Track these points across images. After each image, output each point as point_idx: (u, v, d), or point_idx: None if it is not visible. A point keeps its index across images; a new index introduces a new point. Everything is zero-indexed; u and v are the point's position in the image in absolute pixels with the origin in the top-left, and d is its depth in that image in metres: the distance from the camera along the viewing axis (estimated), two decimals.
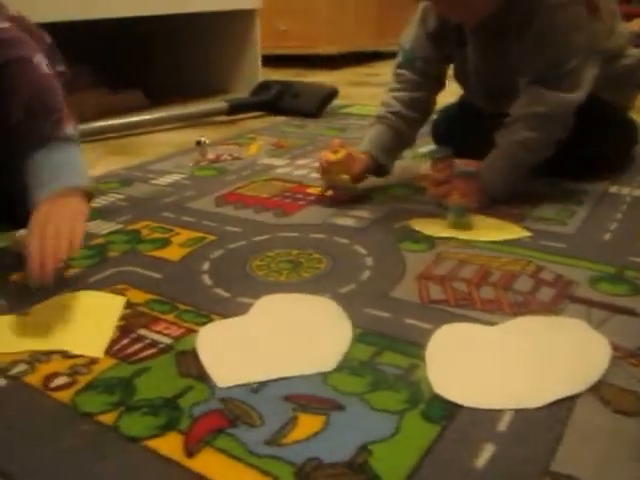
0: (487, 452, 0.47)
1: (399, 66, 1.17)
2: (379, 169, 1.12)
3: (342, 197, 1.05)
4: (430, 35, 1.12)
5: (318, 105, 1.82)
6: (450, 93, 1.29)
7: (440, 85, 1.18)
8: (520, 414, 0.51)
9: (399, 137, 1.13)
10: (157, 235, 0.94)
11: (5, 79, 0.78)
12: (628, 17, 2.69)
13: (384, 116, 1.13)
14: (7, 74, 0.78)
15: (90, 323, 0.70)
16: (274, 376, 0.57)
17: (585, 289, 0.72)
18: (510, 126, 1.00)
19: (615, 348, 0.60)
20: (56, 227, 0.71)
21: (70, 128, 0.81)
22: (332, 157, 1.01)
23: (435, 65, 1.15)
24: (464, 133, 1.23)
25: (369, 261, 0.82)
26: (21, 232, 0.82)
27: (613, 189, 1.07)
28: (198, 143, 1.37)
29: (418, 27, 1.14)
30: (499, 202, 0.99)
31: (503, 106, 1.12)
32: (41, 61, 0.81)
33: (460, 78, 1.22)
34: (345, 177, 1.03)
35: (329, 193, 1.08)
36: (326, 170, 1.04)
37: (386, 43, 3.52)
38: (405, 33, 1.17)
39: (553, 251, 0.83)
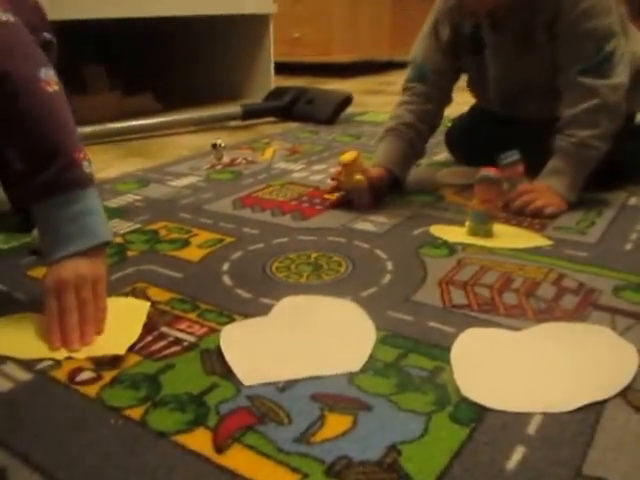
0: (518, 454, 0.47)
1: (409, 80, 1.17)
2: (394, 181, 1.11)
3: (360, 202, 1.05)
4: (443, 47, 1.13)
5: (332, 112, 1.82)
6: (457, 104, 1.29)
7: (449, 98, 1.19)
8: (549, 418, 0.51)
9: (412, 148, 1.13)
10: (175, 235, 0.95)
11: (3, 102, 0.64)
12: None
13: (395, 128, 1.13)
14: (6, 93, 0.64)
15: (115, 328, 0.68)
16: (299, 376, 0.57)
17: (609, 297, 0.72)
18: (567, 128, 1.00)
19: None
20: (79, 298, 0.65)
21: (85, 164, 0.67)
22: (344, 159, 1.01)
23: (446, 77, 1.16)
24: (478, 140, 1.24)
25: (389, 265, 0.82)
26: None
27: (632, 200, 1.07)
28: (214, 146, 1.38)
29: (429, 40, 1.15)
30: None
31: (520, 108, 1.12)
32: (48, 75, 0.67)
33: (475, 87, 1.22)
34: (360, 178, 1.02)
35: (337, 195, 1.08)
36: (340, 173, 1.05)
37: (400, 52, 3.53)
38: (415, 47, 1.17)
39: (575, 260, 0.83)
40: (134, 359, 0.62)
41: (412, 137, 1.13)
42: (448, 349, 0.61)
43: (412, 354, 0.61)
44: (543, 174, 1.03)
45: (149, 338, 0.65)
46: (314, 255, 0.86)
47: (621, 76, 0.99)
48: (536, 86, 1.11)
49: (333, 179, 1.12)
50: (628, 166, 1.13)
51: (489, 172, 0.89)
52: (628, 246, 0.87)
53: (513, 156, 0.98)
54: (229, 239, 0.93)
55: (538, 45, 1.05)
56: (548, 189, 1.01)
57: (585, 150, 0.99)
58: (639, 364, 0.57)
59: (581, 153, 1.00)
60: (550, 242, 0.88)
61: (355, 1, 3.05)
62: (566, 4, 0.98)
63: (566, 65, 1.01)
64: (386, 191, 1.10)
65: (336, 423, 0.51)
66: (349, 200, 1.06)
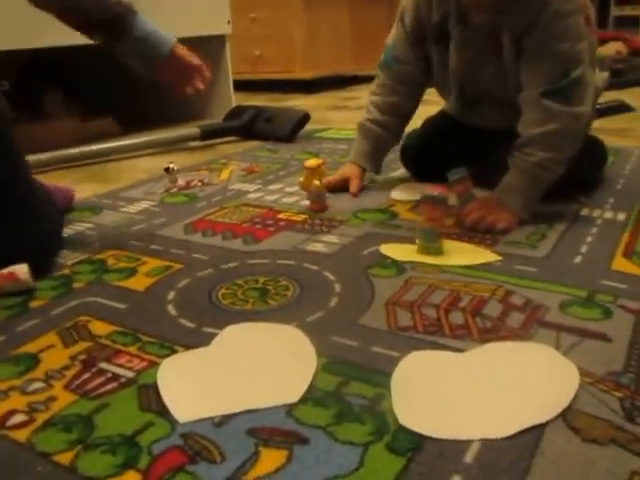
0: None
1: (380, 64, 1.23)
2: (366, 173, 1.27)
3: (316, 205, 1.14)
4: (407, 35, 1.15)
5: (291, 129, 1.82)
6: (419, 117, 1.30)
7: (418, 89, 1.21)
8: (487, 444, 0.50)
9: (378, 143, 1.24)
10: (124, 264, 0.92)
11: None
12: (602, 41, 2.75)
13: (363, 124, 1.25)
14: None
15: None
16: (236, 409, 0.56)
17: (555, 313, 0.72)
18: (525, 147, 1.00)
19: (585, 374, 0.59)
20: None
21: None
22: (308, 163, 1.14)
23: (411, 66, 1.18)
24: (433, 156, 1.24)
25: (337, 288, 0.81)
26: None
27: (584, 212, 1.08)
28: (167, 170, 1.36)
29: (397, 26, 1.18)
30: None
31: (478, 114, 1.13)
32: None
33: (438, 82, 1.21)
34: (318, 184, 1.13)
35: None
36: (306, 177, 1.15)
37: (363, 67, 3.56)
38: (391, 32, 1.21)
39: (523, 275, 0.82)
40: (70, 398, 0.59)
41: (377, 132, 1.23)
42: (391, 375, 0.60)
43: (354, 381, 0.60)
44: (497, 190, 1.03)
45: (87, 375, 0.63)
46: (262, 280, 0.85)
47: (585, 105, 0.98)
48: (494, 93, 1.12)
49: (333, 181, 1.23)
50: (581, 178, 1.14)
51: (434, 191, 0.88)
52: (577, 259, 0.87)
53: (461, 173, 0.99)
54: (178, 266, 0.91)
55: (503, 53, 1.04)
56: (500, 205, 1.01)
57: (542, 171, 1.00)
58: (580, 384, 0.57)
59: (537, 173, 1.00)
60: (499, 258, 0.88)
61: (313, 18, 3.06)
62: (540, 21, 0.97)
63: (530, 83, 1.01)
64: (361, 183, 1.25)
65: (270, 459, 0.50)
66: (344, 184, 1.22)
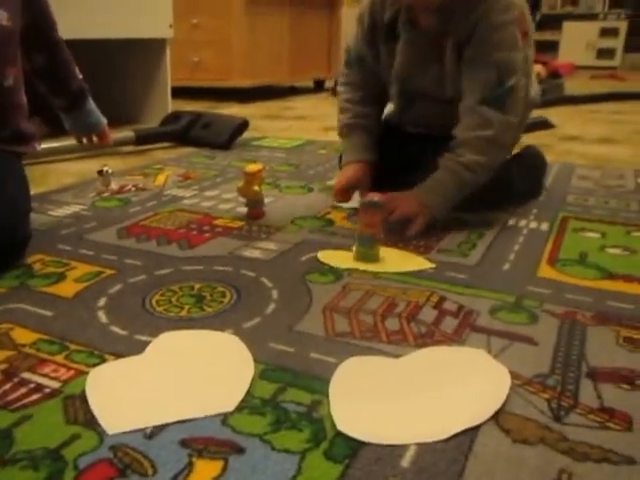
0: None
1: (344, 64, 1.25)
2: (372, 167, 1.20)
3: (253, 212, 1.12)
4: (364, 34, 1.17)
5: (229, 136, 1.80)
6: None
7: (379, 82, 1.22)
8: (423, 448, 0.51)
9: (370, 132, 1.22)
10: (51, 269, 0.88)
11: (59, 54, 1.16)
12: None
13: (347, 124, 1.22)
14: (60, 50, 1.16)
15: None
16: (169, 420, 0.54)
17: (486, 318, 0.74)
18: (456, 149, 1.02)
19: (514, 376, 0.61)
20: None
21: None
22: (248, 169, 1.10)
23: (368, 64, 1.20)
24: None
25: (275, 294, 0.80)
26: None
27: (511, 221, 1.11)
28: (100, 173, 1.32)
29: (357, 26, 1.19)
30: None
31: (416, 112, 1.15)
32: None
33: (386, 81, 1.23)
34: (257, 190, 1.11)
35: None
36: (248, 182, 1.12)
37: (300, 78, 3.58)
38: (351, 33, 1.23)
39: (455, 282, 0.84)
40: None
41: (365, 124, 1.21)
42: (328, 381, 0.60)
43: (291, 388, 0.59)
44: (421, 186, 1.04)
45: (7, 386, 0.60)
46: (198, 286, 0.83)
47: (515, 115, 1.02)
48: (432, 93, 1.14)
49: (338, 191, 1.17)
50: (512, 188, 1.18)
51: (373, 197, 0.89)
52: (506, 266, 0.90)
53: (373, 200, 0.92)
54: (109, 271, 0.88)
55: (445, 59, 1.07)
56: (414, 198, 1.02)
57: (467, 173, 1.02)
58: (510, 386, 0.58)
59: (462, 174, 1.02)
60: (433, 265, 0.90)
61: (253, 27, 3.06)
62: (478, 31, 1.01)
63: (468, 90, 1.04)
64: (370, 180, 1.18)
65: (205, 470, 0.48)
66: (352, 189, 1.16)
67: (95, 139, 1.30)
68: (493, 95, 1.01)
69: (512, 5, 1.02)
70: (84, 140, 1.31)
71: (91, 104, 1.25)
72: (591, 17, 5.90)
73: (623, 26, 5.71)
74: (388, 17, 1.12)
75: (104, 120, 1.29)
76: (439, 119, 1.15)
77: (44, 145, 1.65)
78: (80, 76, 1.20)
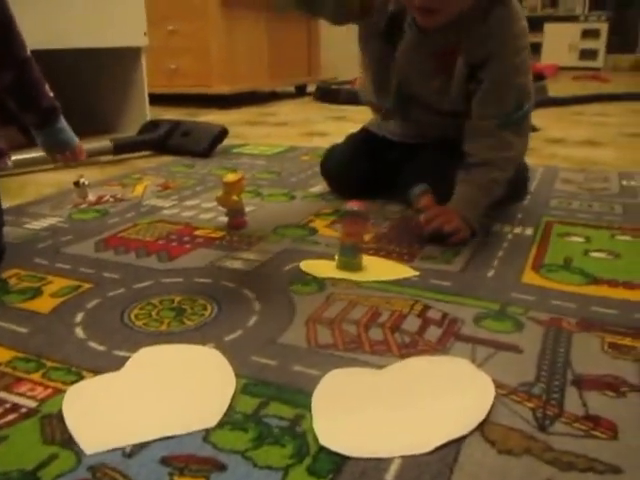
0: None
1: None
2: None
3: (234, 222, 1.11)
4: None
5: (208, 144, 1.79)
6: (338, 134, 1.31)
7: None
8: (408, 461, 0.50)
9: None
10: (26, 284, 0.86)
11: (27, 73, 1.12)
12: None
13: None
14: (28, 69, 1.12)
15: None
16: (149, 437, 0.53)
17: (470, 327, 0.73)
18: (482, 167, 1.05)
19: (499, 385, 0.60)
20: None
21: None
22: (227, 178, 1.10)
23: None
24: (355, 172, 1.25)
25: (257, 305, 0.79)
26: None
27: (495, 227, 1.11)
28: (76, 184, 1.30)
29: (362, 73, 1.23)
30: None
31: (411, 119, 1.14)
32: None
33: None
34: (236, 199, 1.10)
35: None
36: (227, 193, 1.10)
37: (281, 83, 3.58)
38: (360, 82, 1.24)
39: (440, 290, 0.84)
40: None
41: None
42: (311, 394, 0.59)
43: (273, 402, 0.58)
44: (455, 201, 1.05)
45: None
46: (178, 299, 0.81)
47: (527, 134, 1.09)
48: (428, 105, 1.14)
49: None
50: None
51: (354, 206, 0.89)
52: (490, 273, 0.90)
53: (423, 187, 1.04)
54: (87, 285, 0.86)
55: (454, 74, 1.07)
56: (457, 214, 1.03)
57: (495, 187, 1.06)
58: (495, 397, 0.58)
59: (493, 188, 1.06)
60: (417, 273, 0.89)
61: (231, 32, 3.05)
62: (500, 53, 1.02)
63: (484, 112, 1.05)
64: None
65: None
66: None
67: (68, 154, 1.26)
68: (512, 119, 1.04)
69: (524, 28, 1.05)
70: (57, 156, 1.26)
71: (62, 122, 1.20)
72: (572, 19, 5.96)
73: (604, 28, 5.77)
74: (392, 8, 1.08)
75: (76, 139, 1.25)
76: (429, 128, 1.14)
77: (19, 156, 1.63)
78: (51, 94, 1.16)
